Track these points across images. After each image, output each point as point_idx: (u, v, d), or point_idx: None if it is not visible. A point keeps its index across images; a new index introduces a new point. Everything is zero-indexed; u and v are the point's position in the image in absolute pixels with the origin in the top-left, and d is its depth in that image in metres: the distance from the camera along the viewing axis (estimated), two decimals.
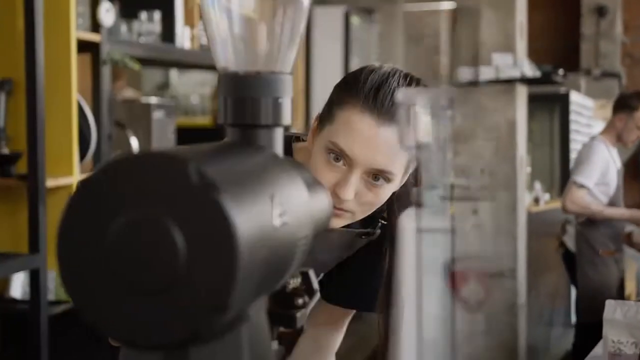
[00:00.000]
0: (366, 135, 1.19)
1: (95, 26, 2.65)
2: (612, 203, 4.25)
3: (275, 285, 0.72)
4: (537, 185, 5.84)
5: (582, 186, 4.13)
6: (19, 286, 2.62)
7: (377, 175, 1.22)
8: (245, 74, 0.79)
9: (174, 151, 0.63)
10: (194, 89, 5.41)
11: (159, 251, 0.60)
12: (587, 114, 7.38)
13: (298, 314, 0.78)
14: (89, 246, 0.61)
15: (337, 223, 1.25)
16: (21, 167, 2.42)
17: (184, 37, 3.24)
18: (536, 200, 5.54)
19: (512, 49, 5.52)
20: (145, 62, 3.18)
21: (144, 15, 3.07)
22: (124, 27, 2.96)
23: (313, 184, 0.84)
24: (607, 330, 1.88)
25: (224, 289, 0.58)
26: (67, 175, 2.50)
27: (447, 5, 5.98)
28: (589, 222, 4.29)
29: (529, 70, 5.58)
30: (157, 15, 3.05)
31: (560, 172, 6.77)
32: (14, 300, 2.64)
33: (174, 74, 5.33)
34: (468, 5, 5.56)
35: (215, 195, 0.60)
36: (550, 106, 6.83)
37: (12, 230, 2.50)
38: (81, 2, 2.64)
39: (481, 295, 4.06)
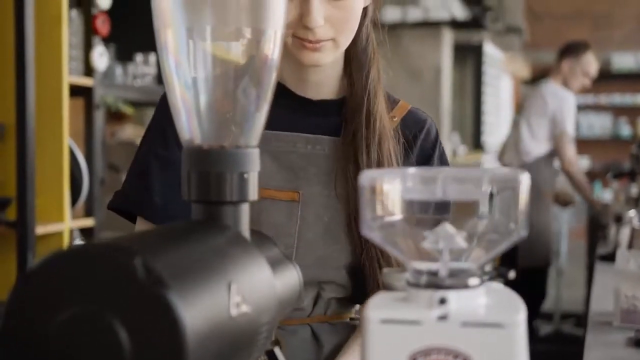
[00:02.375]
0: None
1: (89, 70, 2.64)
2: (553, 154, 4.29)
3: None
4: (455, 137, 5.78)
5: (570, 137, 4.18)
6: None
7: None
8: (209, 148, 0.76)
9: (122, 242, 0.60)
10: None
11: (102, 350, 0.57)
12: (498, 66, 7.39)
13: None
14: (31, 343, 0.59)
15: (323, 58, 1.18)
16: (10, 213, 2.39)
17: None
18: (453, 152, 5.51)
19: None
20: (140, 104, 3.16)
21: (139, 57, 3.06)
22: (119, 70, 2.95)
23: (280, 261, 0.81)
24: (620, 283, 1.71)
25: None
26: (58, 221, 2.47)
27: None
28: (537, 161, 4.28)
29: (459, 11, 5.50)
30: (152, 57, 3.04)
31: (473, 124, 6.74)
32: None
33: None
34: None
35: (162, 290, 0.57)
36: (462, 55, 6.78)
37: (0, 278, 2.46)
38: (75, 46, 2.63)
39: None
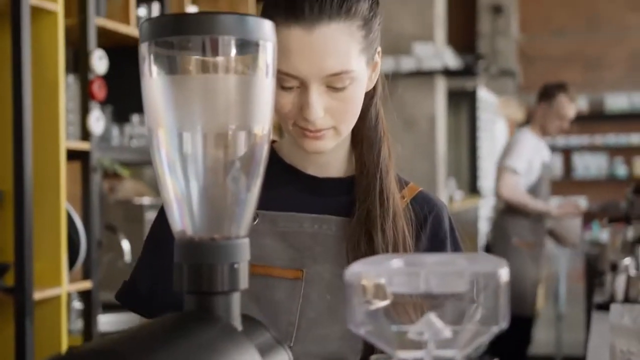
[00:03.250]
0: (300, 48, 1.11)
1: (86, 134, 2.68)
2: (530, 193, 4.24)
3: None
4: (452, 183, 5.80)
5: (514, 171, 4.15)
6: None
7: (337, 80, 1.13)
8: (200, 240, 0.79)
9: (109, 345, 0.62)
10: None
11: None
12: (492, 111, 7.43)
13: None
14: None
15: (325, 145, 1.17)
16: (8, 279, 2.41)
17: None
18: (450, 198, 5.52)
19: (432, 39, 5.48)
20: (137, 164, 3.20)
21: (135, 118, 3.10)
22: (115, 131, 2.99)
23: (271, 346, 0.83)
24: (614, 338, 1.70)
25: None
26: (56, 285, 2.48)
27: None
28: (507, 211, 4.26)
29: (451, 60, 5.55)
30: None
31: (469, 169, 6.75)
32: None
33: None
34: None
35: None
36: (456, 102, 6.84)
37: None
38: (71, 110, 2.67)
39: None
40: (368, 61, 1.18)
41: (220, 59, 0.79)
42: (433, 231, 1.26)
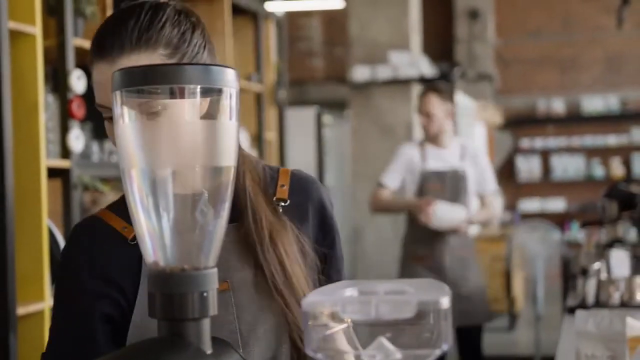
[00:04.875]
0: (106, 79, 1.17)
1: (66, 152, 2.73)
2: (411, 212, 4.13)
3: None
4: None
5: (381, 185, 4.13)
6: None
7: (148, 108, 1.13)
8: (171, 271, 0.86)
9: None
10: None
11: None
12: (470, 115, 7.51)
13: None
14: None
15: None
16: None
17: None
18: None
19: (407, 47, 5.51)
20: (118, 179, 3.25)
21: None
22: (95, 147, 3.05)
23: None
24: (579, 343, 1.75)
25: None
26: (39, 301, 2.54)
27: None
28: (407, 231, 4.18)
29: (427, 68, 5.59)
30: None
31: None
32: None
33: None
34: None
35: None
36: None
37: None
38: (51, 129, 2.72)
39: None
40: None
41: (186, 104, 0.86)
42: (319, 217, 1.33)
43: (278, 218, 1.28)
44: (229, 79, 0.86)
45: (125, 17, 1.20)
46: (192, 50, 1.23)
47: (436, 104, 4.00)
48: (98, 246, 1.25)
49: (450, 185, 4.10)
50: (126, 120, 0.85)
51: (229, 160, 0.87)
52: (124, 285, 1.23)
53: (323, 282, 1.31)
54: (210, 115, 0.87)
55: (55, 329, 1.26)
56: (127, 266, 1.23)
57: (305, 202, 1.33)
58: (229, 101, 0.86)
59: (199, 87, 0.84)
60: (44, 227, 2.54)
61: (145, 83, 0.84)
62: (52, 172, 2.67)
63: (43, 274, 2.54)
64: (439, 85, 4.18)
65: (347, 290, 0.80)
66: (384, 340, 0.78)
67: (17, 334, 2.42)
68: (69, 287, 1.26)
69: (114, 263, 1.24)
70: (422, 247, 4.08)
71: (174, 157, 0.86)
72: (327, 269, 1.34)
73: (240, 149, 1.29)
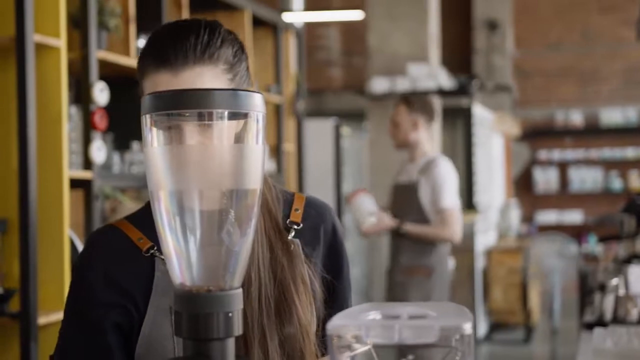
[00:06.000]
0: (167, 87, 1.18)
1: (88, 163, 2.76)
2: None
3: None
4: None
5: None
6: None
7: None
8: (198, 292, 0.87)
9: None
10: None
11: None
12: (488, 126, 7.49)
13: None
14: None
15: None
16: (14, 304, 2.49)
17: None
18: None
19: (426, 59, 5.50)
20: (138, 189, 3.28)
21: (136, 145, 3.19)
22: (116, 158, 3.08)
23: None
24: None
25: None
26: (60, 310, 2.56)
27: None
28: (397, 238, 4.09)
29: (445, 80, 5.59)
30: None
31: (465, 185, 6.80)
32: None
33: None
34: None
35: None
36: (452, 118, 6.89)
37: None
38: (74, 140, 2.75)
39: None
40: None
41: (215, 128, 0.88)
42: (330, 243, 1.34)
43: (280, 238, 1.28)
44: (256, 104, 0.87)
45: (184, 32, 1.21)
46: (243, 69, 1.25)
47: (403, 114, 4.04)
48: (113, 255, 1.27)
49: (400, 198, 4.07)
50: (154, 144, 0.87)
51: (255, 182, 0.89)
52: (136, 296, 1.24)
53: (327, 309, 1.30)
54: (238, 138, 0.88)
55: (66, 335, 1.28)
56: (139, 277, 1.24)
57: (317, 227, 1.33)
58: (256, 125, 0.88)
59: (226, 111, 0.86)
60: (66, 237, 2.57)
61: (174, 107, 0.86)
62: (74, 183, 2.70)
63: (64, 284, 2.57)
64: (411, 97, 4.20)
65: (371, 314, 0.81)
66: None
67: (38, 343, 2.44)
68: (81, 294, 1.27)
69: (127, 273, 1.25)
70: (420, 260, 4.01)
71: (202, 180, 0.88)
72: (334, 296, 1.33)
73: None
